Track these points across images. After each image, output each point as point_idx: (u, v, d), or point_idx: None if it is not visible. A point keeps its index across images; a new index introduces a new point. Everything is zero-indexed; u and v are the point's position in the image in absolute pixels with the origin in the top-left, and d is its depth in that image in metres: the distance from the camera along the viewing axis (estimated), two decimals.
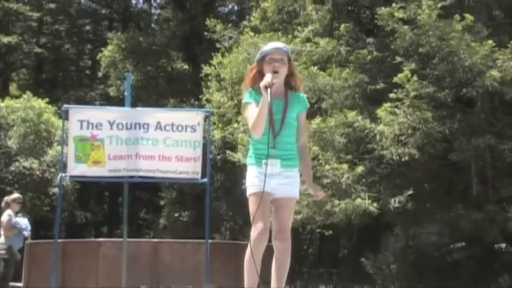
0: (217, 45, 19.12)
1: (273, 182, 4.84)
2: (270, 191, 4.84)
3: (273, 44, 5.07)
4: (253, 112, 4.82)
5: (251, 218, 4.81)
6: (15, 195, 12.35)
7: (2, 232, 12.19)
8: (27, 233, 12.40)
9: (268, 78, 4.73)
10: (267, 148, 4.78)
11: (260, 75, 4.91)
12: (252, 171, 4.96)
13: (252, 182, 4.92)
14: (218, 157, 20.90)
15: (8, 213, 12.11)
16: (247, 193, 4.93)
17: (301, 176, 5.03)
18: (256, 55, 5.08)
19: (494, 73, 13.53)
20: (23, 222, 12.30)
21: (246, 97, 4.96)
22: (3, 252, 12.10)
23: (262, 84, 4.72)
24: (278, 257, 4.84)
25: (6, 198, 12.34)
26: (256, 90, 4.89)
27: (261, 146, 4.89)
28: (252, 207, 4.85)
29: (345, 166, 14.49)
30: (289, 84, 5.02)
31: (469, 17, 14.05)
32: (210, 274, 10.69)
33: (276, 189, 4.87)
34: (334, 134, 14.97)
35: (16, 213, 12.18)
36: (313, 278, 19.65)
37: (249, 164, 5.02)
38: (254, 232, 4.76)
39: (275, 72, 4.82)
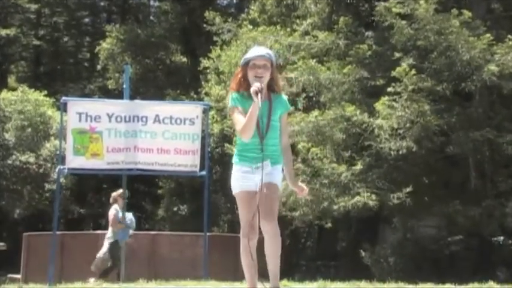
0: (216, 39, 19.08)
1: (257, 177, 4.96)
2: (254, 187, 4.98)
3: (256, 51, 5.22)
4: (239, 117, 4.99)
5: (240, 217, 5.01)
6: (121, 190, 12.16)
7: (110, 227, 12.21)
8: (132, 227, 12.40)
9: (258, 84, 4.91)
10: (256, 150, 4.99)
11: (244, 79, 5.10)
12: (236, 170, 5.11)
13: (237, 181, 5.09)
14: (216, 150, 20.89)
15: (114, 208, 12.12)
16: (233, 192, 5.10)
17: (283, 171, 5.17)
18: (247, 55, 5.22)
19: (493, 67, 13.53)
20: (128, 217, 12.22)
21: (231, 101, 5.10)
22: (108, 246, 12.09)
23: (252, 89, 4.88)
24: (268, 241, 4.94)
25: (114, 194, 12.36)
26: (241, 94, 5.07)
27: (248, 147, 5.05)
28: (239, 206, 5.06)
29: (342, 165, 14.52)
30: (272, 87, 5.18)
31: (466, 13, 14.04)
32: (208, 266, 10.72)
33: (258, 182, 4.97)
34: (332, 128, 14.97)
35: (122, 209, 12.01)
36: (311, 271, 19.67)
37: (234, 163, 5.16)
38: (243, 230, 4.96)
39: (258, 77, 5.00)
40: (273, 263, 4.95)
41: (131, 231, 12.29)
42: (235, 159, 5.15)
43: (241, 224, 5.02)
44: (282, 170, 5.18)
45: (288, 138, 5.33)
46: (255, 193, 4.97)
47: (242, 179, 5.05)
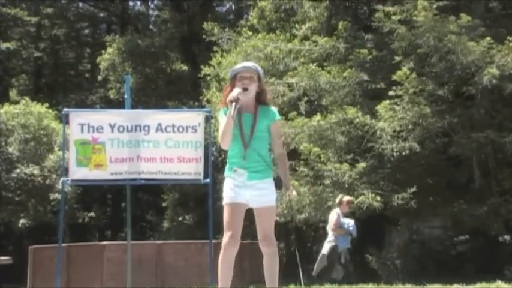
0: (215, 48, 19.12)
1: (247, 193, 5.26)
2: (244, 201, 5.27)
3: (243, 64, 5.46)
4: (221, 126, 5.23)
5: (224, 225, 5.31)
6: (350, 198, 12.27)
7: (330, 230, 12.06)
8: (354, 234, 12.10)
9: (234, 92, 5.13)
10: (240, 158, 5.26)
11: None
12: (227, 182, 5.39)
13: (226, 193, 5.37)
14: (219, 158, 20.88)
15: (336, 212, 12.01)
16: (223, 202, 5.40)
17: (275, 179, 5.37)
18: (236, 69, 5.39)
19: (493, 70, 13.49)
20: (350, 223, 12.02)
21: (219, 115, 5.34)
22: (328, 250, 11.95)
23: (228, 98, 5.12)
24: (267, 260, 5.33)
25: (340, 197, 12.25)
26: (224, 109, 5.26)
27: (233, 159, 5.33)
28: (224, 215, 5.35)
29: (345, 165, 14.52)
30: (260, 99, 5.38)
31: (465, 17, 14.03)
32: (214, 274, 10.70)
33: (250, 201, 5.29)
34: (335, 132, 14.99)
35: (344, 215, 11.95)
36: (318, 275, 19.62)
37: (225, 175, 5.44)
38: (224, 238, 5.26)
39: (244, 89, 5.20)
40: (271, 280, 5.31)
41: (353, 234, 12.06)
42: (226, 170, 5.41)
43: (224, 233, 5.29)
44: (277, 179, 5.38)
45: (281, 148, 5.47)
46: (244, 206, 5.26)
47: (233, 192, 5.30)
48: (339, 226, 11.86)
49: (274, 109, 5.43)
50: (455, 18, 14.08)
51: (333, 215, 12.05)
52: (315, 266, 12.12)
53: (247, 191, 5.25)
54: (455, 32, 13.96)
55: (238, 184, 5.27)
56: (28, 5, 32.35)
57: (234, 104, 5.06)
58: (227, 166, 5.40)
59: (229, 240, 5.23)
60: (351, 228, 11.97)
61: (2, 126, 21.18)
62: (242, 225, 5.32)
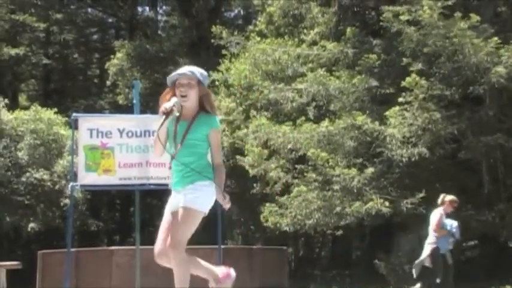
0: (224, 52, 19.16)
1: (181, 199, 5.10)
2: (176, 208, 5.15)
3: (179, 70, 5.26)
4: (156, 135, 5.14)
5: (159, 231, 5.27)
6: (453, 197, 11.52)
7: (431, 231, 11.47)
8: (457, 236, 11.56)
9: (169, 103, 5.01)
10: (172, 166, 5.18)
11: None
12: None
13: (170, 200, 5.30)
14: (228, 163, 20.89)
15: (439, 212, 11.44)
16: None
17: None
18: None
19: (500, 69, 13.50)
20: (454, 224, 11.47)
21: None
22: (428, 252, 11.39)
23: (161, 109, 5.02)
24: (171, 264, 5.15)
25: (443, 196, 11.57)
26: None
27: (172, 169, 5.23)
28: (163, 221, 5.25)
29: (353, 170, 14.51)
30: (204, 105, 5.20)
31: (474, 16, 14.03)
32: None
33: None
34: (343, 137, 14.98)
35: (447, 215, 11.43)
36: (326, 281, 19.60)
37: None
38: (155, 247, 5.24)
39: (182, 96, 5.07)
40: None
41: (456, 236, 11.55)
42: None
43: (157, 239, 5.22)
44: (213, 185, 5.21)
45: (219, 158, 5.29)
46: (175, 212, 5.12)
47: (173, 199, 5.24)
48: (440, 227, 11.34)
49: (215, 117, 5.23)
50: (462, 16, 14.08)
51: (435, 215, 11.46)
52: (414, 266, 11.65)
53: (180, 197, 5.12)
54: (463, 29, 13.92)
55: (175, 193, 5.22)
56: (37, 11, 32.46)
57: (164, 116, 4.98)
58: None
59: (157, 252, 5.26)
60: (454, 229, 11.46)
61: (12, 132, 21.24)
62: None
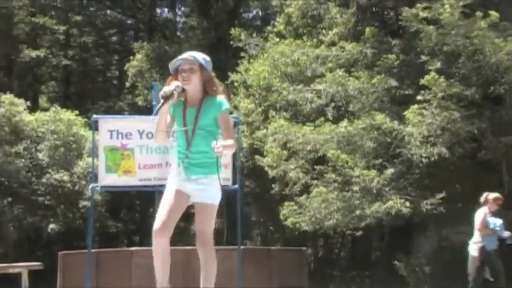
0: (243, 54, 19.19)
1: (189, 186, 5.05)
2: (187, 192, 5.07)
3: (181, 56, 5.21)
4: (157, 121, 5.06)
5: (159, 211, 5.08)
6: (497, 194, 11.37)
7: (476, 231, 11.33)
8: (506, 234, 11.36)
9: (169, 87, 4.98)
10: (182, 156, 5.08)
11: None
12: (173, 173, 5.20)
13: (170, 180, 5.18)
14: (247, 163, 20.91)
15: (483, 211, 11.26)
16: (166, 187, 5.18)
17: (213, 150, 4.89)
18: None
19: None
20: (497, 223, 11.29)
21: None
22: (476, 252, 11.29)
23: (160, 93, 4.97)
24: (201, 260, 5.24)
25: (486, 194, 11.42)
26: (173, 102, 5.06)
27: (179, 154, 5.14)
28: (162, 199, 5.11)
29: (373, 172, 14.47)
30: (208, 90, 5.12)
31: (494, 14, 13.95)
32: (243, 279, 10.72)
33: (192, 195, 5.09)
34: (363, 138, 14.95)
35: (492, 213, 11.26)
36: (346, 282, 19.57)
37: (172, 168, 5.31)
38: (156, 224, 5.01)
39: (185, 81, 5.03)
40: (205, 281, 5.33)
41: (506, 234, 11.40)
42: (173, 163, 5.24)
43: (156, 219, 5.04)
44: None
45: (232, 136, 5.11)
46: (186, 197, 5.05)
47: (177, 181, 5.09)
48: (485, 226, 11.17)
49: (222, 99, 5.10)
50: (482, 14, 13.99)
51: (480, 214, 11.30)
52: (468, 270, 11.45)
53: (188, 183, 5.05)
54: (483, 28, 13.84)
55: (184, 178, 5.06)
56: (57, 13, 32.70)
57: (162, 101, 4.91)
58: (175, 159, 5.24)
59: (160, 227, 5.00)
60: (497, 228, 11.29)
61: (32, 133, 21.39)
62: (178, 218, 5.11)
